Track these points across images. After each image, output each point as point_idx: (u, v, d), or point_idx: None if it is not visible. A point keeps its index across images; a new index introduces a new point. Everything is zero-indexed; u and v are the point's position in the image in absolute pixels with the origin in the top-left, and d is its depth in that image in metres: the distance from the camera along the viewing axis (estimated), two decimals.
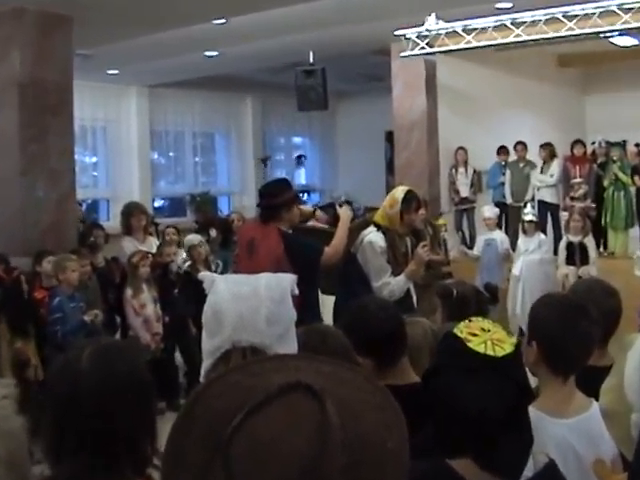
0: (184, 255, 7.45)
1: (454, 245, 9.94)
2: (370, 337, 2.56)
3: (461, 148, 10.93)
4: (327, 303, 5.69)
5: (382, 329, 2.58)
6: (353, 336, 2.42)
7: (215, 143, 14.94)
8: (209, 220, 9.78)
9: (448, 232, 8.81)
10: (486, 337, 1.61)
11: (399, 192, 4.97)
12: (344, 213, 4.96)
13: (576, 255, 8.34)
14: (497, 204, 10.43)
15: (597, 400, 2.23)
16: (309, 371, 0.85)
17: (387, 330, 2.59)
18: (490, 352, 1.58)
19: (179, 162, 14.19)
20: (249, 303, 1.63)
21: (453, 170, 11.06)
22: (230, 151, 14.83)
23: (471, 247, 9.68)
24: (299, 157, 15.50)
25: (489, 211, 9.19)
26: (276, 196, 4.72)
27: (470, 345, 1.59)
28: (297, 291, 1.72)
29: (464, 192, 11.02)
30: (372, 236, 4.87)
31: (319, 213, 5.25)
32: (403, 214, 4.86)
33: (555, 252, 9.07)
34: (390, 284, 4.80)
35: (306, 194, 14.11)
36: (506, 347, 1.61)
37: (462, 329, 1.64)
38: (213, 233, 8.51)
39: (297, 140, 16.50)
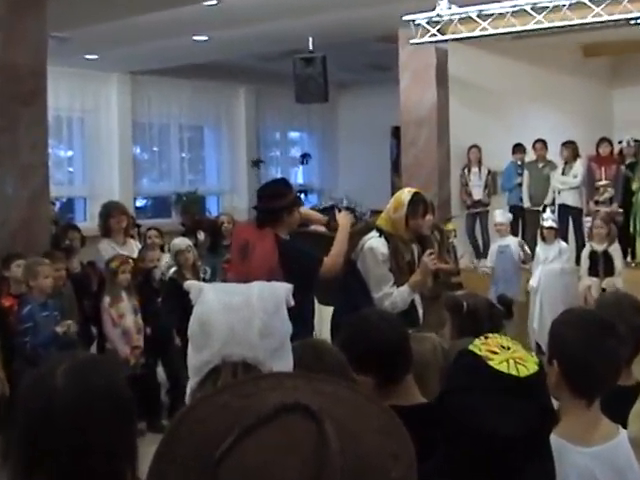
0: (168, 259, 7.48)
1: (465, 253, 9.95)
2: (371, 352, 2.57)
3: (474, 146, 10.94)
4: (325, 315, 5.68)
5: (384, 343, 2.59)
6: (352, 351, 2.43)
7: (204, 137, 14.95)
8: (196, 222, 9.78)
9: (458, 238, 8.83)
10: (507, 355, 1.61)
11: (405, 194, 5.00)
12: (343, 219, 4.98)
13: (600, 265, 8.33)
14: (512, 208, 10.47)
15: (624, 426, 2.23)
16: (307, 391, 0.85)
17: (390, 344, 2.60)
18: (513, 372, 1.58)
19: (164, 158, 14.20)
20: (240, 314, 1.63)
21: (465, 170, 11.07)
22: (220, 146, 14.85)
23: (485, 255, 9.70)
24: (303, 156, 15.50)
25: (501, 216, 9.19)
26: (276, 198, 4.75)
27: (491, 364, 1.59)
28: (293, 302, 1.72)
29: (477, 195, 11.03)
30: (373, 242, 4.89)
31: (334, 224, 5.22)
32: (409, 218, 4.89)
33: (577, 261, 9.08)
34: (392, 295, 4.82)
35: (303, 194, 14.12)
36: (530, 366, 1.61)
37: (479, 346, 1.63)
38: (201, 236, 8.52)
39: (294, 135, 16.52)
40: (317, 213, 5.26)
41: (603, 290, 7.84)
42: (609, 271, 8.30)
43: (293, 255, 4.64)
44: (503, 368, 1.58)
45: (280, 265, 4.55)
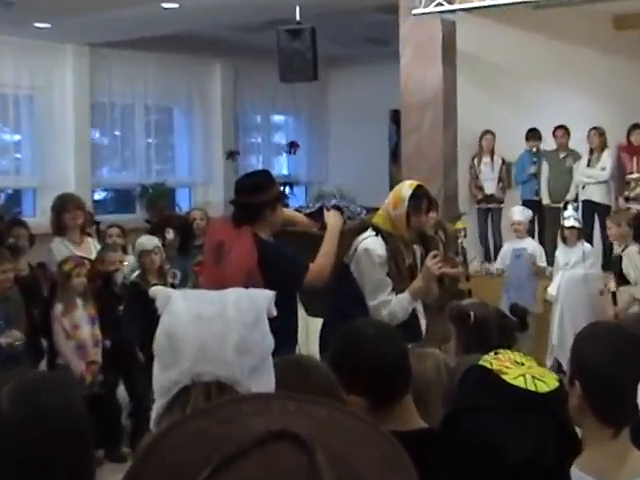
0: (131, 261, 7.46)
1: (476, 255, 9.96)
2: (364, 369, 2.59)
3: (488, 132, 10.92)
4: (312, 327, 5.69)
5: (380, 359, 2.60)
6: (343, 368, 2.46)
7: (173, 120, 14.96)
8: (164, 218, 9.78)
9: (468, 238, 8.84)
10: (523, 370, 1.61)
11: (406, 188, 5.01)
12: (333, 219, 4.99)
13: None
14: (526, 203, 10.40)
15: None
16: (297, 415, 0.85)
17: (386, 361, 2.61)
18: (531, 387, 1.58)
19: (127, 144, 14.16)
20: (214, 326, 1.64)
21: (475, 160, 11.08)
22: (193, 131, 14.85)
23: (495, 258, 9.73)
24: (291, 145, 15.44)
25: (520, 213, 9.17)
26: (257, 193, 4.77)
27: (506, 378, 1.59)
28: (275, 312, 1.73)
29: (490, 188, 11.00)
30: (369, 242, 4.89)
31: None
32: (410, 216, 4.90)
33: (604, 266, 9.13)
34: (390, 304, 4.84)
35: (289, 188, 14.12)
36: (549, 382, 1.61)
37: (490, 361, 1.64)
38: (169, 235, 8.50)
39: (278, 119, 16.52)
40: (304, 217, 5.27)
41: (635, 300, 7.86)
42: (624, 278, 8.27)
43: (275, 258, 4.65)
44: (519, 383, 1.58)
45: (260, 270, 4.56)
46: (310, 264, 4.76)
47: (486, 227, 11.07)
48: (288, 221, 5.12)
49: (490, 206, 11.03)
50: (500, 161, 11.04)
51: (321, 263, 4.78)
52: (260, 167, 14.04)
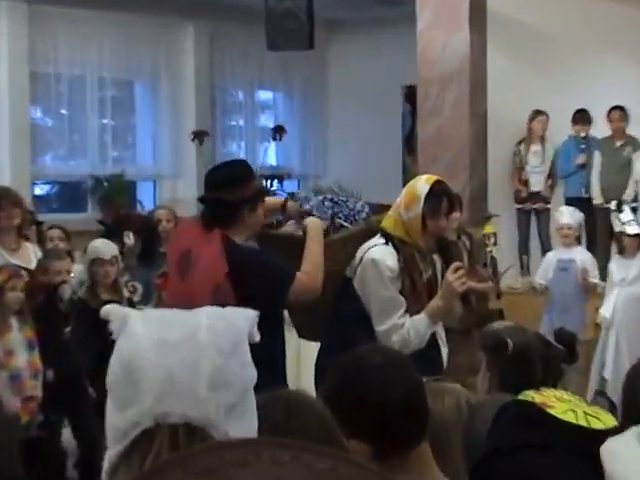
0: (79, 270, 7.42)
1: (511, 268, 9.91)
2: (370, 409, 2.57)
3: (540, 113, 10.87)
4: (305, 355, 5.71)
5: (389, 397, 2.59)
6: (343, 407, 2.46)
7: (135, 97, 14.85)
8: (123, 219, 9.72)
9: (500, 246, 8.81)
10: (572, 405, 1.62)
11: (421, 184, 5.03)
12: (312, 224, 4.99)
13: None
14: (571, 202, 10.36)
15: None
16: (294, 467, 0.85)
17: (397, 399, 2.60)
18: (583, 423, 1.58)
19: (76, 125, 14.03)
20: (182, 354, 1.63)
21: (522, 147, 11.08)
22: (158, 110, 14.70)
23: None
24: (276, 129, 15.20)
25: (569, 215, 9.15)
26: (233, 188, 4.78)
27: (553, 412, 1.59)
28: (258, 336, 1.73)
29: (537, 184, 11.00)
30: (377, 251, 4.92)
31: (291, 205, 5.27)
32: (427, 218, 4.91)
33: None
34: (403, 328, 4.85)
35: (277, 181, 14.08)
36: (605, 420, 1.62)
37: (532, 396, 1.64)
38: (129, 240, 8.45)
39: (265, 97, 16.41)
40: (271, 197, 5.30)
41: None
42: None
43: (251, 267, 4.67)
44: (570, 418, 1.58)
45: (230, 282, 4.55)
46: (297, 273, 4.75)
47: (528, 232, 11.04)
48: (271, 209, 5.15)
49: (535, 206, 11.00)
50: (552, 151, 10.99)
51: (310, 272, 4.77)
52: (242, 156, 13.99)
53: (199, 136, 13.79)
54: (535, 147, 11.02)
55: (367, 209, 5.29)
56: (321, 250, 4.87)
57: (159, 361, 1.63)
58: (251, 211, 4.80)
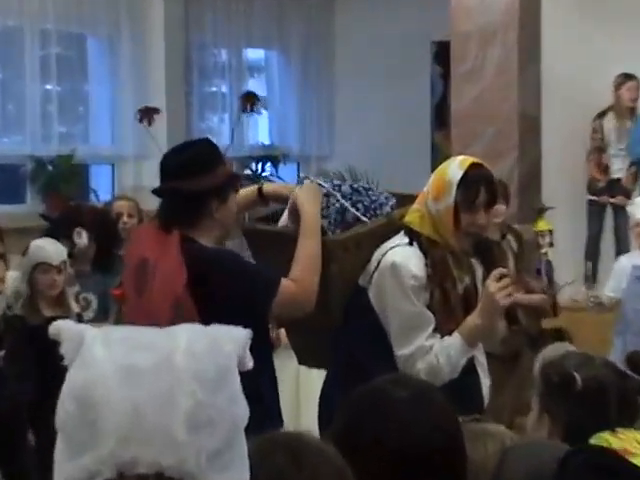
0: (14, 278, 7.38)
1: (576, 278, 9.92)
2: (391, 454, 2.60)
3: (630, 77, 10.80)
4: (306, 386, 5.72)
5: (415, 440, 2.63)
6: (358, 452, 2.48)
7: (87, 56, 15.00)
8: (72, 212, 9.78)
9: (558, 247, 8.85)
10: None
11: (454, 167, 4.91)
12: (303, 197, 4.87)
13: None
14: None
15: None
16: None
17: (425, 442, 2.63)
18: None
19: (12, 93, 14.25)
20: (154, 385, 1.64)
21: (605, 122, 10.96)
22: (117, 74, 14.87)
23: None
24: (247, 97, 14.97)
25: None
26: (195, 176, 4.66)
27: (636, 462, 1.61)
28: (251, 363, 1.75)
29: (618, 170, 10.99)
30: (399, 254, 4.81)
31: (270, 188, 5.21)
32: (460, 211, 4.81)
33: None
34: (431, 352, 4.77)
35: (269, 164, 14.17)
36: None
37: (608, 439, 1.64)
38: (80, 239, 8.45)
39: (254, 56, 16.55)
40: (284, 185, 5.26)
41: None
42: None
43: (222, 275, 4.57)
44: None
45: (191, 295, 4.44)
46: (283, 280, 4.60)
47: (600, 231, 10.99)
48: (274, 199, 5.09)
49: (614, 200, 10.92)
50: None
51: (300, 277, 4.63)
52: (226, 131, 14.07)
53: (146, 115, 13.45)
54: (620, 122, 10.90)
55: (393, 202, 5.26)
56: (317, 245, 4.75)
57: (124, 393, 1.64)
58: (221, 203, 4.67)
